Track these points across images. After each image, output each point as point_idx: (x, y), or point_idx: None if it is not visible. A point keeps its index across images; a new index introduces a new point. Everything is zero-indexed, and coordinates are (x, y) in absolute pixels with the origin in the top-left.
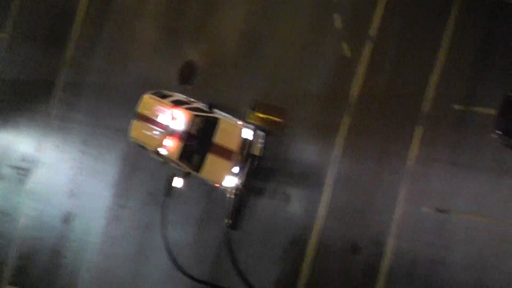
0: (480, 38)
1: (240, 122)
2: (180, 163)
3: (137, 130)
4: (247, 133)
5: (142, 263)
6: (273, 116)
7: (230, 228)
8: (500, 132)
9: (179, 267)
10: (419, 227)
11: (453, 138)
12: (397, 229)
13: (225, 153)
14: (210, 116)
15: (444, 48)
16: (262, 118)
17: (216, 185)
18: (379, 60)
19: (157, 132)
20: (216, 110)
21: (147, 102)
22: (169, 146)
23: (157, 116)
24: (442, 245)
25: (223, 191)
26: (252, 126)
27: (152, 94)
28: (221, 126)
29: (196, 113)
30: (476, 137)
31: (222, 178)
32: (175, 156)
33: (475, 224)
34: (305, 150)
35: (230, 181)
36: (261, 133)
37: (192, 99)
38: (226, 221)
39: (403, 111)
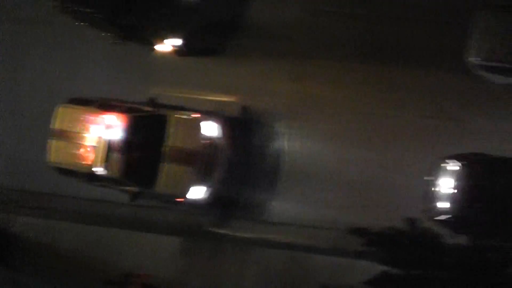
0: None
1: (196, 115)
2: (127, 182)
3: (58, 151)
4: (209, 127)
5: None
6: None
7: None
8: None
9: None
10: None
11: None
12: None
13: (184, 157)
14: (154, 114)
15: None
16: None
17: (179, 200)
18: None
19: (88, 149)
20: (161, 106)
21: (65, 113)
22: (109, 162)
23: (82, 129)
24: None
25: None
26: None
27: (68, 102)
28: (172, 123)
29: (134, 113)
30: None
31: (186, 190)
32: (118, 174)
33: None
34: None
35: (198, 192)
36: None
37: (125, 99)
38: None
39: None
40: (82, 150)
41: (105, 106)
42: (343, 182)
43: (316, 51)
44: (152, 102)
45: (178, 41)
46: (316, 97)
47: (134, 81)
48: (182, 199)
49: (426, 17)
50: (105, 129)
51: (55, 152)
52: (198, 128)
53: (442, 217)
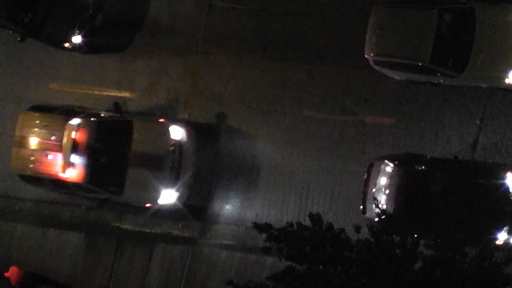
0: None
1: (162, 120)
2: (93, 188)
3: (21, 159)
4: (177, 132)
5: None
6: None
7: None
8: None
9: None
10: None
11: None
12: None
13: (152, 162)
14: (119, 120)
15: None
16: None
17: (148, 205)
18: None
19: (51, 156)
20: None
21: (27, 120)
22: (73, 169)
23: (45, 135)
24: None
25: None
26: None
27: (30, 109)
28: (138, 129)
29: (97, 118)
30: None
31: (155, 195)
32: (83, 181)
33: None
34: None
35: (168, 197)
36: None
37: (86, 106)
38: None
39: None
40: (47, 157)
41: (67, 112)
42: (246, 181)
43: (211, 47)
44: (117, 107)
45: (78, 39)
46: (212, 91)
47: (35, 77)
48: (150, 205)
49: (327, 13)
50: (68, 135)
51: (17, 159)
52: (165, 132)
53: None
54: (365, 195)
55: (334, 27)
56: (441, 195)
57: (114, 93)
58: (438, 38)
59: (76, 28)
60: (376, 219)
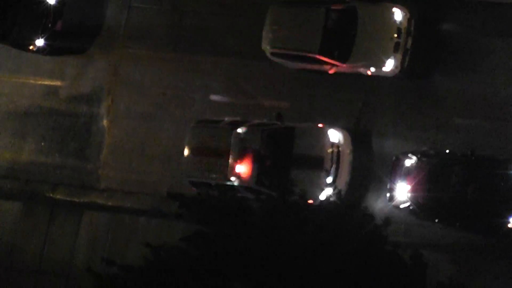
0: None
1: (320, 125)
2: (259, 190)
3: (194, 166)
4: (335, 135)
5: None
6: None
7: None
8: None
9: None
10: None
11: None
12: None
13: (313, 163)
14: (281, 128)
15: None
16: None
17: (310, 202)
18: None
19: (220, 162)
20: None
21: (196, 130)
22: (241, 173)
23: (213, 143)
24: None
25: None
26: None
27: (197, 123)
28: (300, 134)
29: (264, 127)
30: None
31: (317, 193)
32: (252, 182)
33: None
34: None
35: (326, 193)
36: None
37: (245, 118)
38: None
39: None
40: (218, 164)
41: (233, 124)
42: (161, 154)
43: (131, 42)
44: (278, 117)
45: (41, 42)
46: (131, 80)
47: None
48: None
49: (231, 12)
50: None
51: (190, 167)
52: (324, 136)
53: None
54: (391, 185)
55: (237, 24)
56: (460, 185)
57: (47, 82)
58: (325, 32)
59: (39, 33)
60: (401, 206)
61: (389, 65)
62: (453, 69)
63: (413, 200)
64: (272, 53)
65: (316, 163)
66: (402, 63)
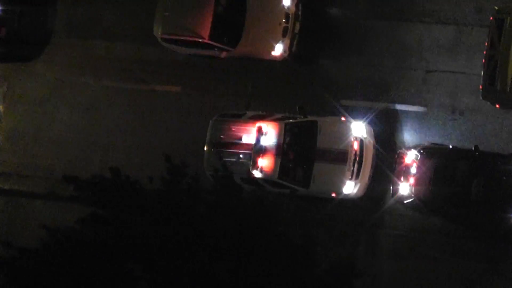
0: None
1: (343, 118)
2: (282, 183)
3: (216, 160)
4: (359, 129)
5: None
6: None
7: None
8: None
9: None
10: None
11: None
12: None
13: (336, 156)
14: (305, 121)
15: None
16: None
17: (333, 195)
18: None
19: (243, 156)
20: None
21: (218, 124)
22: (264, 166)
23: (237, 138)
24: None
25: None
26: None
27: (219, 117)
28: (323, 128)
29: (287, 121)
30: None
31: (340, 186)
32: (275, 176)
33: None
34: None
35: (350, 187)
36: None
37: (267, 112)
38: None
39: None
40: (240, 157)
41: (255, 118)
42: (57, 139)
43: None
44: (301, 109)
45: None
46: (26, 67)
47: None
48: (336, 195)
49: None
50: (260, 136)
51: (211, 160)
52: (347, 130)
53: None
54: (395, 180)
55: (129, 11)
56: (464, 179)
57: None
58: (215, 18)
59: None
60: (405, 202)
61: (278, 49)
62: (340, 53)
63: (417, 195)
64: (162, 39)
65: (339, 156)
66: (290, 47)
